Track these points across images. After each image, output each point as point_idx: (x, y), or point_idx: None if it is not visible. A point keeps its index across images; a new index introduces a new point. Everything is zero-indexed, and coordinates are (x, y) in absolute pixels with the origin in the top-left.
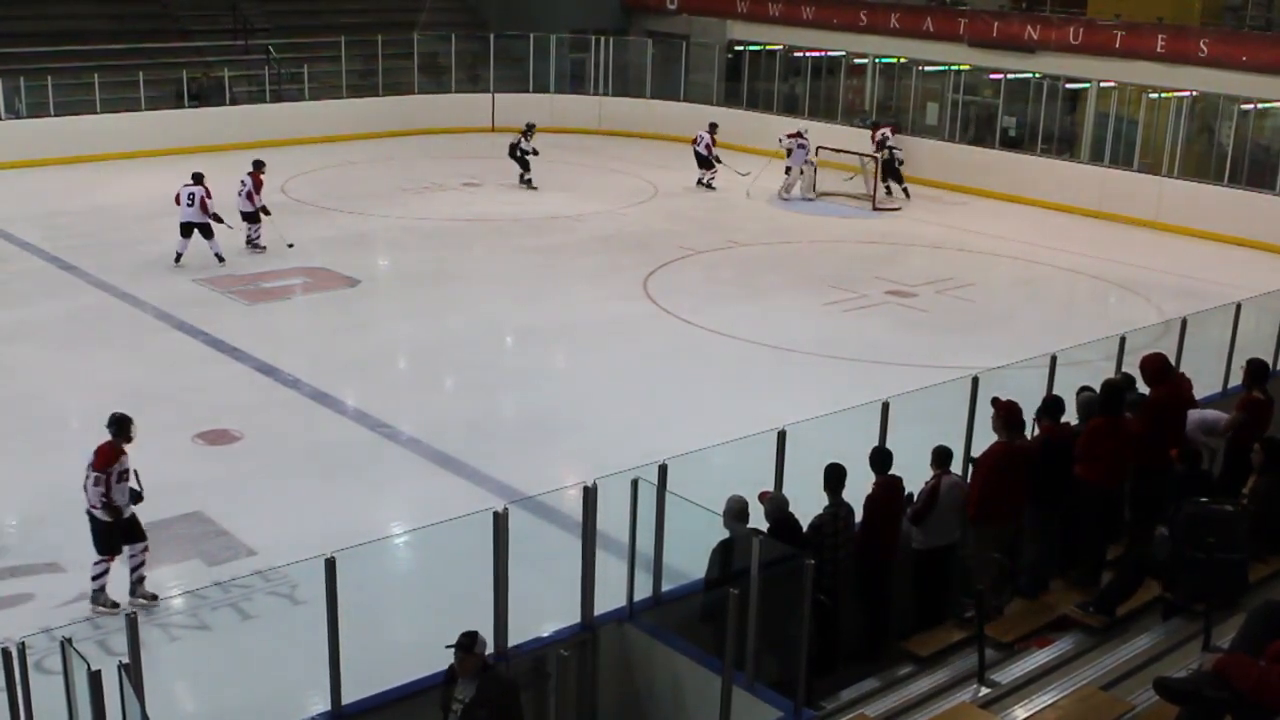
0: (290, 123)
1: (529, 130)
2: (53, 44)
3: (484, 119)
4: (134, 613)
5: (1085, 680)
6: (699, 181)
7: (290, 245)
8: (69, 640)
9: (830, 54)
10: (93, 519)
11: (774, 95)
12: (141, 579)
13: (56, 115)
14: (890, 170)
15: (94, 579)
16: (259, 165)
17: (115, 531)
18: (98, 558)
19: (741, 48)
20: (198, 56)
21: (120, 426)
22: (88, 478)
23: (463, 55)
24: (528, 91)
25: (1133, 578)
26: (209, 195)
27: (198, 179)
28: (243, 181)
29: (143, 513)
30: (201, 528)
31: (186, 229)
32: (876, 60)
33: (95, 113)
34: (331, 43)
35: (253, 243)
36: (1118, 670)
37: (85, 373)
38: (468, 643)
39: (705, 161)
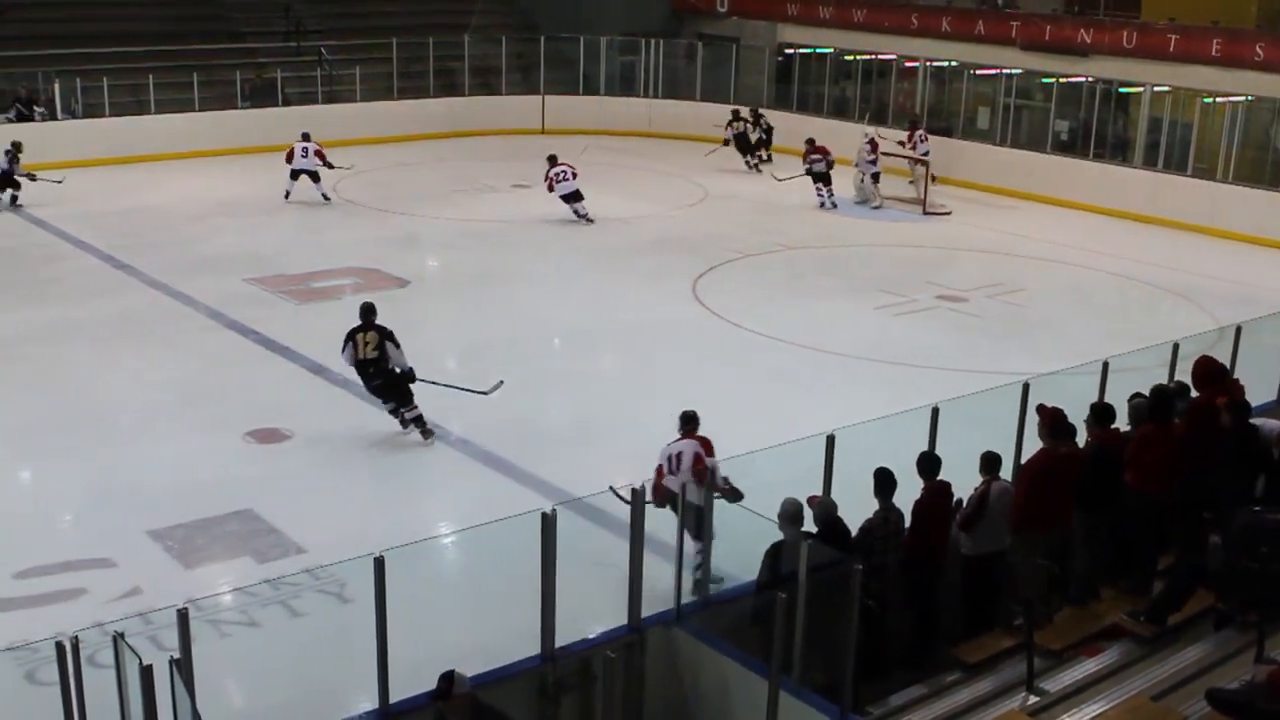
0: (342, 124)
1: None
2: (109, 45)
3: (534, 121)
4: (185, 609)
5: (1135, 690)
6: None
7: None
8: (121, 635)
9: (881, 57)
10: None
11: (824, 98)
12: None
13: (112, 116)
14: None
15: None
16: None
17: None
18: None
19: (792, 51)
20: (251, 58)
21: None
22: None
23: (513, 57)
24: (578, 94)
25: (1185, 587)
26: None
27: (307, 136)
28: (304, 150)
29: (193, 509)
30: (252, 525)
31: (296, 174)
32: (928, 63)
33: (150, 113)
34: (383, 44)
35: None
36: (1168, 680)
37: (137, 370)
38: (445, 688)
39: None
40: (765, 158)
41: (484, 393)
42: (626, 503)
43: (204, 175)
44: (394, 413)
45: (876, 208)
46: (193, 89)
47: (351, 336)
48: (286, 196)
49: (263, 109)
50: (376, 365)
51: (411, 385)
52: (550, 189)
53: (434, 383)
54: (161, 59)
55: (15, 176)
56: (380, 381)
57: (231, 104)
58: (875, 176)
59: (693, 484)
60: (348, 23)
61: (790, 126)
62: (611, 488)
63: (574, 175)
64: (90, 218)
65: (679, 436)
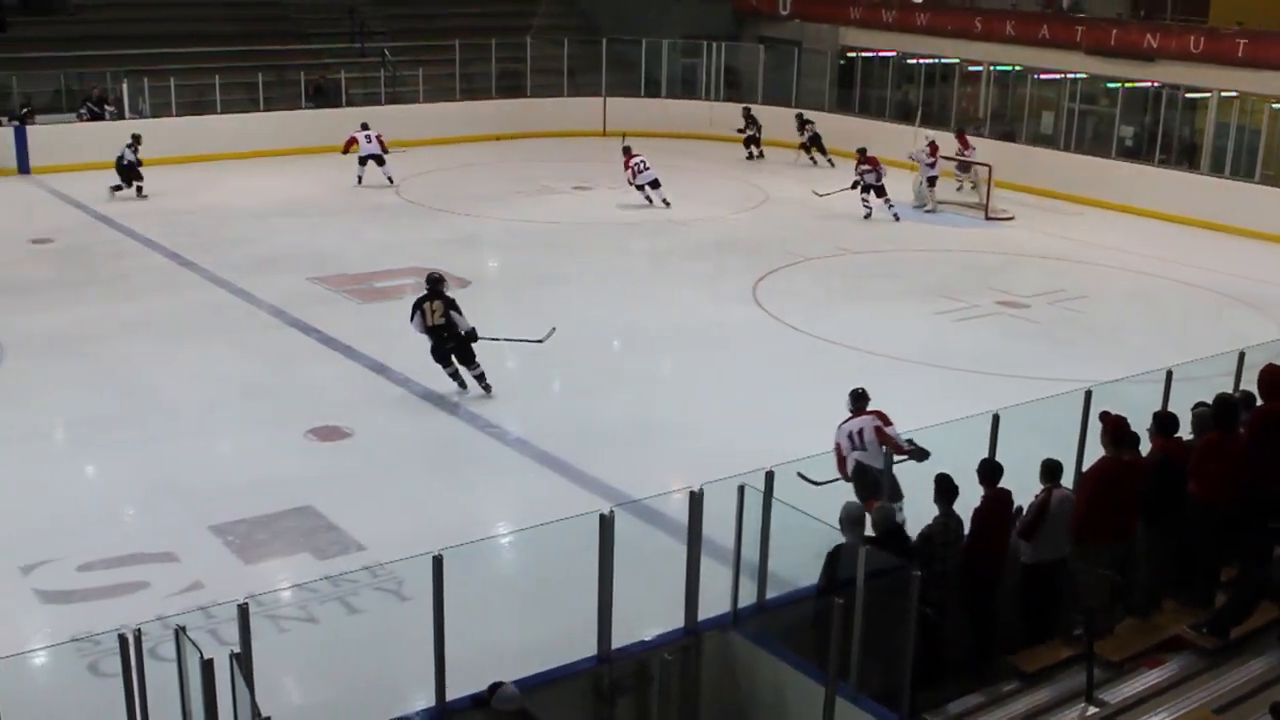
0: (405, 124)
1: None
2: (176, 46)
3: (595, 123)
4: (245, 604)
5: (1197, 703)
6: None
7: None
8: (183, 629)
9: (944, 61)
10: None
11: (886, 102)
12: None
13: (178, 115)
14: (815, 143)
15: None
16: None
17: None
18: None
19: (854, 54)
20: (316, 59)
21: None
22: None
23: (575, 59)
24: (639, 96)
25: (1249, 599)
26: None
27: (367, 125)
28: (367, 136)
29: (254, 505)
30: (312, 522)
31: (364, 160)
32: (991, 68)
33: (216, 113)
34: (446, 46)
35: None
36: (1231, 694)
37: (200, 367)
38: (485, 697)
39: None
40: (759, 153)
41: (539, 341)
42: (817, 484)
43: (268, 175)
44: (454, 376)
45: (929, 211)
46: (258, 89)
47: (419, 306)
48: (359, 181)
49: (326, 109)
50: (450, 329)
51: (474, 344)
52: (634, 176)
53: (494, 338)
54: (227, 60)
55: (138, 167)
56: (454, 344)
57: (295, 104)
58: (931, 180)
59: (877, 452)
60: (411, 24)
61: (850, 129)
62: (800, 474)
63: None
64: (156, 216)
65: (850, 416)
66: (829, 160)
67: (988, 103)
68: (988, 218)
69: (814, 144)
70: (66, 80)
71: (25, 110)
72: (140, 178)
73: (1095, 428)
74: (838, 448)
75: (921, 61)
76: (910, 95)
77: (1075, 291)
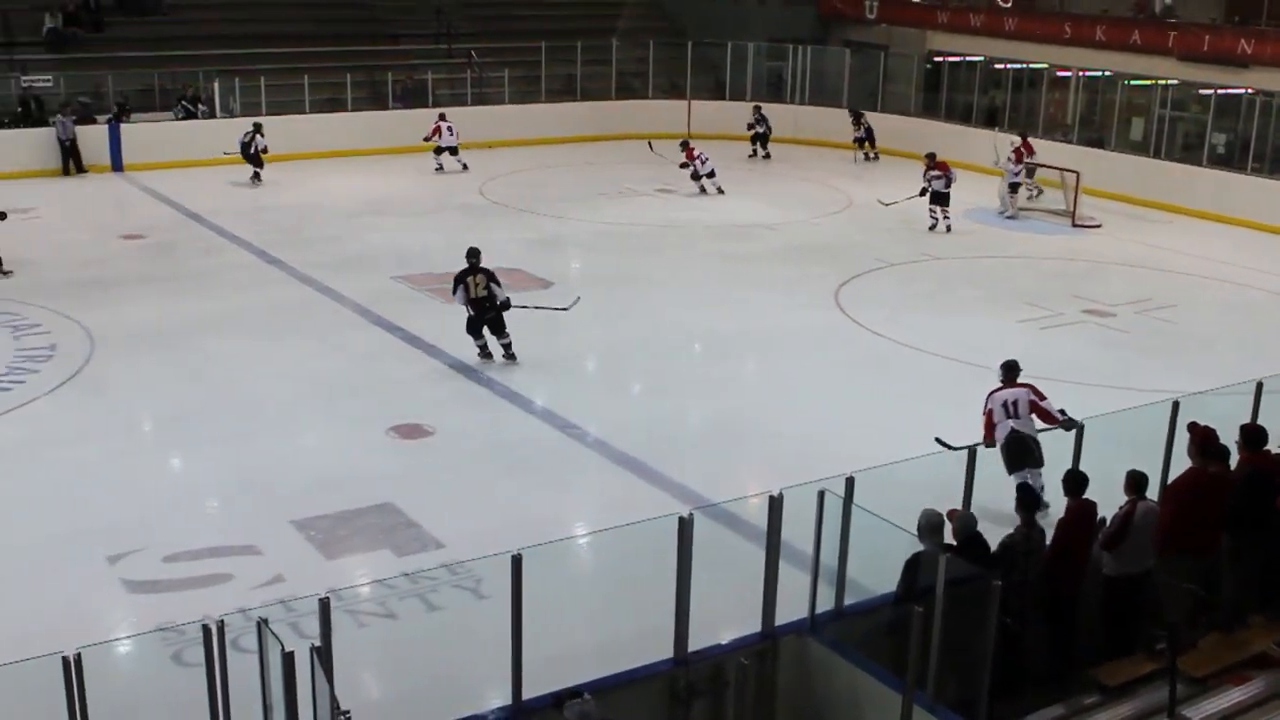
0: (489, 125)
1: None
2: (266, 46)
3: (679, 126)
4: (327, 598)
5: None
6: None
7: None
8: (265, 621)
9: (1032, 66)
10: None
11: (973, 107)
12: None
13: (267, 114)
14: (869, 136)
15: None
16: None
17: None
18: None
19: (940, 58)
20: (403, 59)
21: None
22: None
23: (660, 62)
24: (724, 99)
25: None
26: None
27: (445, 117)
28: (449, 129)
29: (336, 501)
30: (392, 519)
31: (440, 150)
32: (1080, 73)
33: (304, 113)
34: (532, 48)
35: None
36: None
37: (286, 363)
38: (556, 700)
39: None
40: (765, 154)
41: (564, 309)
42: (953, 449)
43: (354, 174)
44: (483, 349)
45: (1010, 217)
46: (345, 89)
47: (462, 279)
48: (440, 169)
49: (413, 109)
50: (491, 301)
51: (505, 314)
52: (702, 164)
53: (524, 306)
54: (316, 60)
55: (260, 155)
56: (494, 314)
57: (383, 104)
58: (1013, 186)
59: (1029, 422)
60: (498, 25)
61: (931, 133)
62: (938, 439)
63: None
64: (245, 214)
65: (1000, 386)
66: (875, 155)
67: (1076, 109)
68: (1074, 225)
69: (868, 138)
70: (160, 80)
71: (120, 108)
72: (260, 164)
73: (1182, 440)
74: (989, 415)
75: (1009, 66)
76: (996, 100)
77: (1163, 301)
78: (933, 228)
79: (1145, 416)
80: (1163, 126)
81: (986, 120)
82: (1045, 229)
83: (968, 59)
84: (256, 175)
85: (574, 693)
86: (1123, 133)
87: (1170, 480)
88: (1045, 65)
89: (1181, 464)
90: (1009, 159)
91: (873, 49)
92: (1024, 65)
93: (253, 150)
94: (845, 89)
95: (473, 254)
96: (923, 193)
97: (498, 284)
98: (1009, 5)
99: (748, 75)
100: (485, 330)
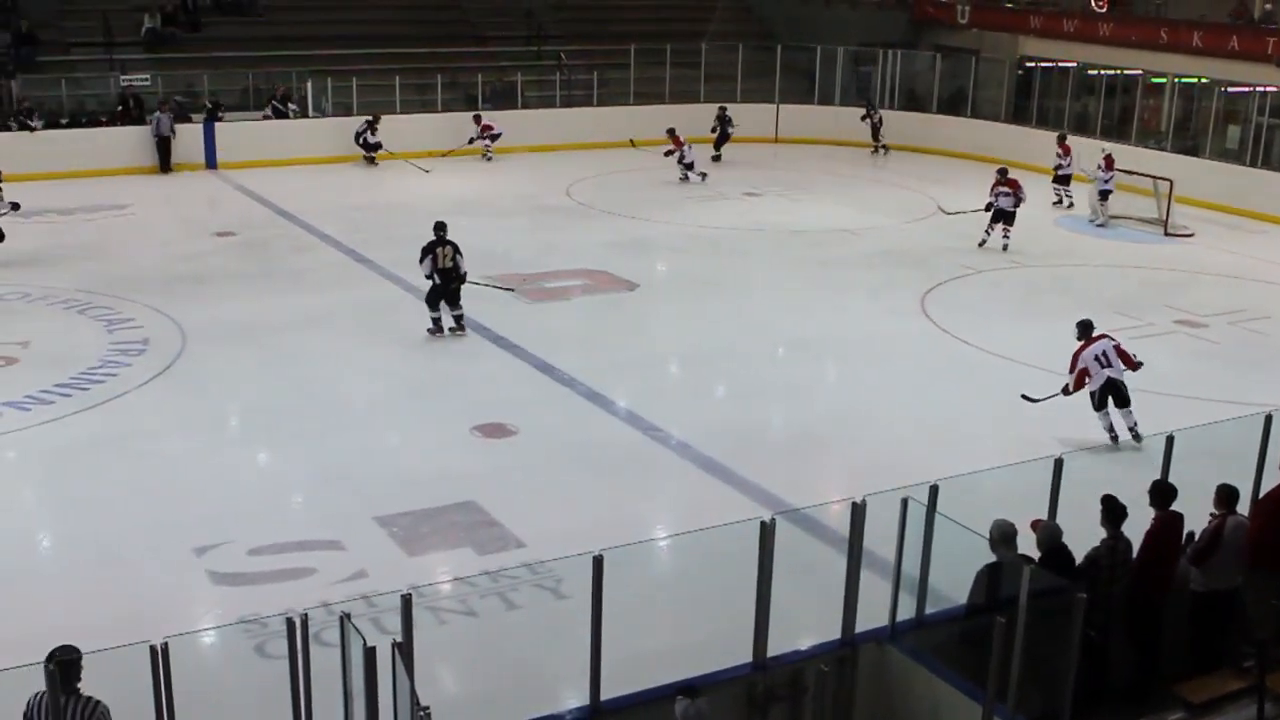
0: (578, 127)
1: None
2: (358, 47)
3: (768, 129)
4: (409, 594)
5: None
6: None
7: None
8: (348, 616)
9: (1126, 72)
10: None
11: (1065, 113)
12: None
13: (359, 115)
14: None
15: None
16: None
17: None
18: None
19: (1032, 64)
20: (492, 61)
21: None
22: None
23: (749, 65)
24: (812, 103)
25: None
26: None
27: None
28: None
29: (419, 498)
30: (474, 517)
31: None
32: (1176, 80)
33: (395, 113)
34: (621, 50)
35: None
36: None
37: (372, 361)
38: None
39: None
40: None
41: (512, 290)
42: (1036, 401)
43: (443, 174)
44: (436, 322)
45: (1100, 225)
46: (436, 90)
47: (430, 250)
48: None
49: (502, 111)
50: (455, 272)
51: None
52: (689, 149)
53: (477, 283)
54: (407, 61)
55: (371, 142)
56: (457, 285)
57: (473, 105)
58: (1104, 194)
59: (1117, 368)
60: (587, 28)
61: (1026, 141)
62: (1025, 395)
63: None
64: (335, 212)
65: (1085, 344)
66: (884, 149)
67: (1171, 116)
68: (1167, 234)
69: (874, 133)
70: (254, 80)
71: (213, 107)
72: (375, 150)
73: (1274, 454)
74: (1083, 371)
75: (1103, 73)
76: (1089, 107)
77: (1257, 312)
78: (982, 243)
79: (1237, 429)
80: (1259, 134)
81: (1077, 127)
82: (1137, 237)
83: (1060, 65)
84: (370, 160)
85: (691, 690)
86: (1218, 140)
87: (1261, 495)
88: (1139, 71)
89: (1272, 479)
90: (1099, 166)
91: (964, 54)
92: (1117, 71)
93: (362, 141)
94: (934, 94)
95: (440, 227)
96: (988, 208)
97: (461, 256)
98: (1104, 10)
99: (836, 79)
100: (441, 303)
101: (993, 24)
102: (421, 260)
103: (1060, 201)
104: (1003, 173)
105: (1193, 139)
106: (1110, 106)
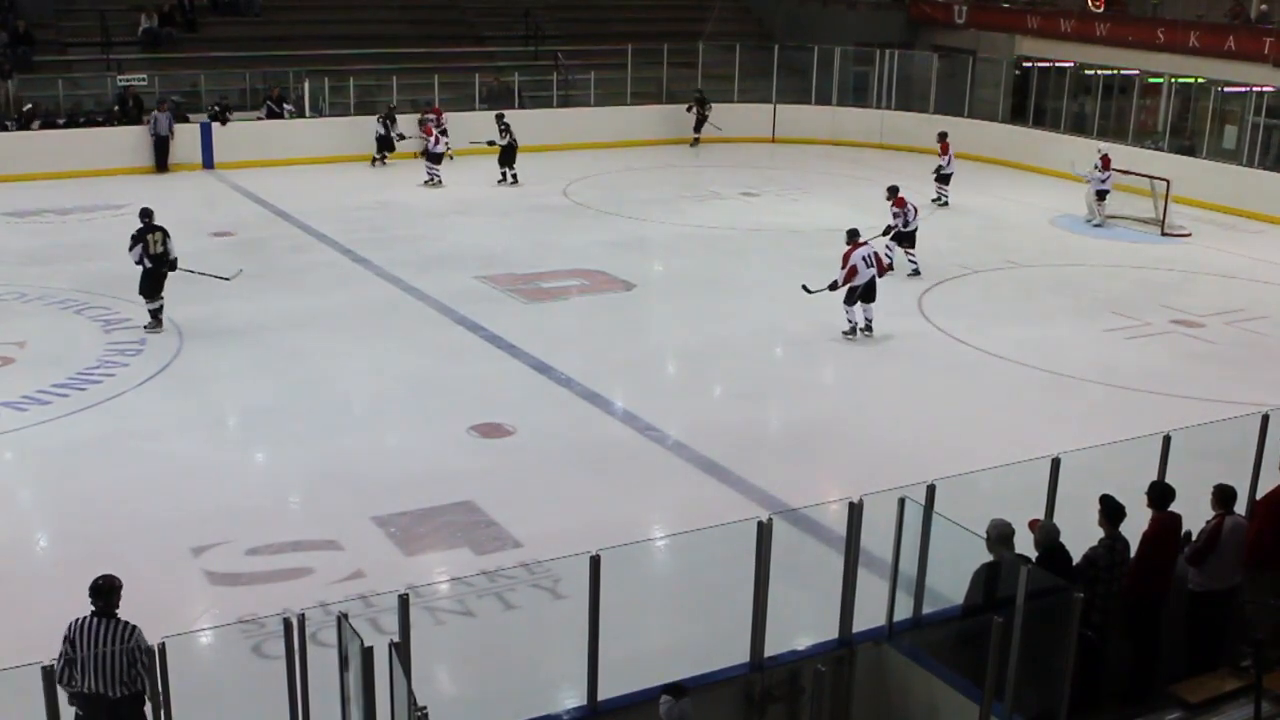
0: (575, 127)
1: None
2: (356, 47)
3: (765, 129)
4: (406, 594)
5: None
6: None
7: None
8: (345, 616)
9: (1123, 72)
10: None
11: (1061, 114)
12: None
13: (356, 115)
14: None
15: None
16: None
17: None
18: None
19: (1030, 64)
20: (490, 61)
21: None
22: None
23: (746, 65)
24: (809, 103)
25: None
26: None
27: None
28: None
29: (416, 498)
30: (471, 517)
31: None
32: (1173, 80)
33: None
34: (618, 50)
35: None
36: None
37: (370, 361)
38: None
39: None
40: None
41: (227, 279)
42: (811, 292)
43: (441, 174)
44: (155, 313)
45: (1096, 225)
46: (433, 90)
47: (140, 237)
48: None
49: (499, 110)
50: (164, 259)
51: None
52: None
53: (190, 270)
54: (405, 61)
55: (392, 137)
56: (165, 272)
57: (470, 105)
58: (1100, 194)
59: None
60: (584, 28)
61: (1024, 141)
62: (804, 286)
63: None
64: (332, 212)
65: (852, 247)
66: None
67: (1168, 116)
68: (1164, 234)
69: (699, 125)
70: (251, 79)
71: (218, 108)
72: (391, 148)
73: (1272, 454)
74: (853, 268)
75: (1100, 72)
76: (1086, 107)
77: (1254, 312)
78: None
79: (1234, 429)
80: (1256, 134)
81: (1074, 127)
82: (1134, 237)
83: (1057, 65)
84: (383, 159)
85: (678, 689)
86: (1215, 140)
87: (1259, 496)
88: (1137, 71)
89: (1270, 479)
90: (1095, 166)
91: (961, 54)
92: (1114, 71)
93: (379, 135)
94: (932, 94)
95: (146, 214)
96: (886, 231)
97: (171, 241)
98: (1100, 10)
99: (834, 79)
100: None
101: (990, 24)
102: (131, 248)
103: (939, 199)
104: (893, 191)
105: (1190, 139)
106: (1107, 106)
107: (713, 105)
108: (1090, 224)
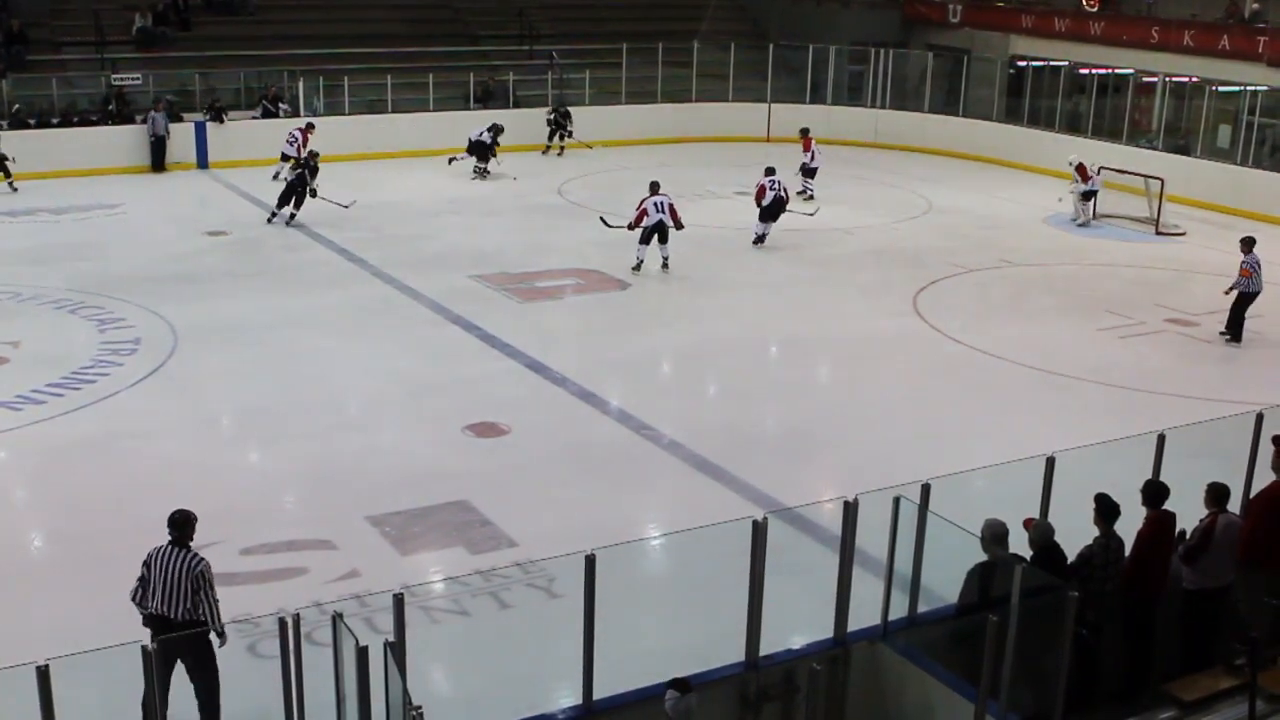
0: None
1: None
2: (350, 46)
3: (759, 129)
4: (401, 594)
5: None
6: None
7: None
8: (340, 615)
9: (1117, 71)
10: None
11: (1056, 113)
12: None
13: (351, 114)
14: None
15: None
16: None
17: None
18: None
19: (1024, 63)
20: (485, 60)
21: None
22: None
23: (741, 64)
24: (804, 102)
25: None
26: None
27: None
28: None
29: (411, 498)
30: (466, 516)
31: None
32: (1166, 79)
33: (387, 112)
34: (613, 49)
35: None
36: None
37: (364, 360)
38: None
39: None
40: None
41: (345, 206)
42: (610, 227)
43: (435, 173)
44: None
45: (1081, 224)
46: (428, 90)
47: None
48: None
49: (494, 110)
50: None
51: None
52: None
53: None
54: (400, 60)
55: (489, 149)
56: (301, 191)
57: (464, 105)
58: (1085, 195)
59: (667, 216)
60: (579, 27)
61: (1018, 140)
62: (601, 218)
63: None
64: (327, 211)
65: (646, 197)
66: (549, 149)
67: (1162, 115)
68: (1158, 232)
69: (550, 134)
70: (246, 79)
71: (216, 107)
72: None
73: (1266, 452)
74: (644, 211)
75: (1094, 71)
76: (1081, 106)
77: (1250, 311)
78: (637, 267)
79: (1228, 428)
80: (1251, 134)
81: (1069, 126)
82: (1128, 236)
83: (1052, 64)
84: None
85: (683, 683)
86: (1209, 139)
87: (1253, 494)
88: (1130, 71)
89: (1264, 477)
90: (1074, 180)
91: (956, 53)
92: (1109, 70)
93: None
94: (927, 93)
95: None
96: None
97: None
98: (1095, 9)
99: (829, 78)
100: None
101: (984, 23)
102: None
103: (804, 192)
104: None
105: (1184, 138)
106: (1102, 105)
107: (572, 118)
108: (1076, 223)
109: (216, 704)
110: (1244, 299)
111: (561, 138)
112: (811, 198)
